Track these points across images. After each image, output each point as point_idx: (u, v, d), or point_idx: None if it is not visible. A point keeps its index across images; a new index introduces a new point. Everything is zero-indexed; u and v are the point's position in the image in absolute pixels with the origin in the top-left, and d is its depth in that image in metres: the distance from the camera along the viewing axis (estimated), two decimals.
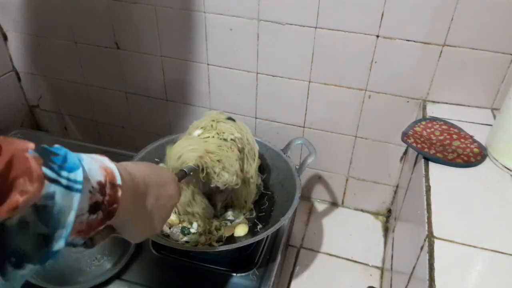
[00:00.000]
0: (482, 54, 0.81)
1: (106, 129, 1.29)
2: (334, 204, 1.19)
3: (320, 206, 1.18)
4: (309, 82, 0.96)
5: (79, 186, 0.33)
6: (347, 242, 1.07)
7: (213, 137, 0.77)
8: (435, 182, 0.66)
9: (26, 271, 0.31)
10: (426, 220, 0.58)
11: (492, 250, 0.54)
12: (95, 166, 0.36)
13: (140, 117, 1.21)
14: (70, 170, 0.33)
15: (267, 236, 0.84)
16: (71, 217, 0.33)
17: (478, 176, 0.68)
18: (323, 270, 1.00)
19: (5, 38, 1.18)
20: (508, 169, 0.68)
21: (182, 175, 0.67)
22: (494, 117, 0.85)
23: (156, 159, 0.92)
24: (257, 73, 0.99)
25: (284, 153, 0.90)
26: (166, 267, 0.81)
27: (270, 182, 0.92)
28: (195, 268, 0.80)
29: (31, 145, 0.31)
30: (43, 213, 0.31)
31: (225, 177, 0.75)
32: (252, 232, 0.82)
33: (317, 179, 1.15)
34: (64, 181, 0.32)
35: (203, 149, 0.73)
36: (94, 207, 0.35)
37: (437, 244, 0.55)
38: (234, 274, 0.78)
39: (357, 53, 0.89)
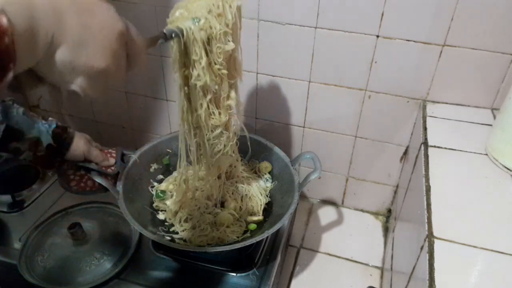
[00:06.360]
0: (482, 54, 0.81)
1: (106, 129, 1.29)
2: (334, 204, 1.19)
3: (320, 206, 1.18)
4: (309, 82, 0.96)
5: None
6: (347, 242, 1.07)
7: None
8: (435, 182, 0.65)
9: None
10: (426, 220, 0.58)
11: (492, 250, 0.54)
12: None
13: (140, 117, 1.21)
14: None
15: (267, 236, 0.84)
16: None
17: (478, 176, 0.68)
18: (323, 270, 1.00)
19: None
20: (508, 169, 0.68)
21: (159, 37, 0.54)
22: (494, 117, 0.85)
23: (168, 149, 0.95)
24: (257, 73, 0.99)
25: (292, 166, 0.89)
26: (166, 267, 0.81)
27: (272, 191, 0.92)
28: (195, 268, 0.80)
29: None
30: None
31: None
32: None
33: (317, 179, 1.15)
34: None
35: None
36: None
37: (437, 244, 0.55)
38: (234, 274, 0.79)
39: (357, 53, 0.89)
